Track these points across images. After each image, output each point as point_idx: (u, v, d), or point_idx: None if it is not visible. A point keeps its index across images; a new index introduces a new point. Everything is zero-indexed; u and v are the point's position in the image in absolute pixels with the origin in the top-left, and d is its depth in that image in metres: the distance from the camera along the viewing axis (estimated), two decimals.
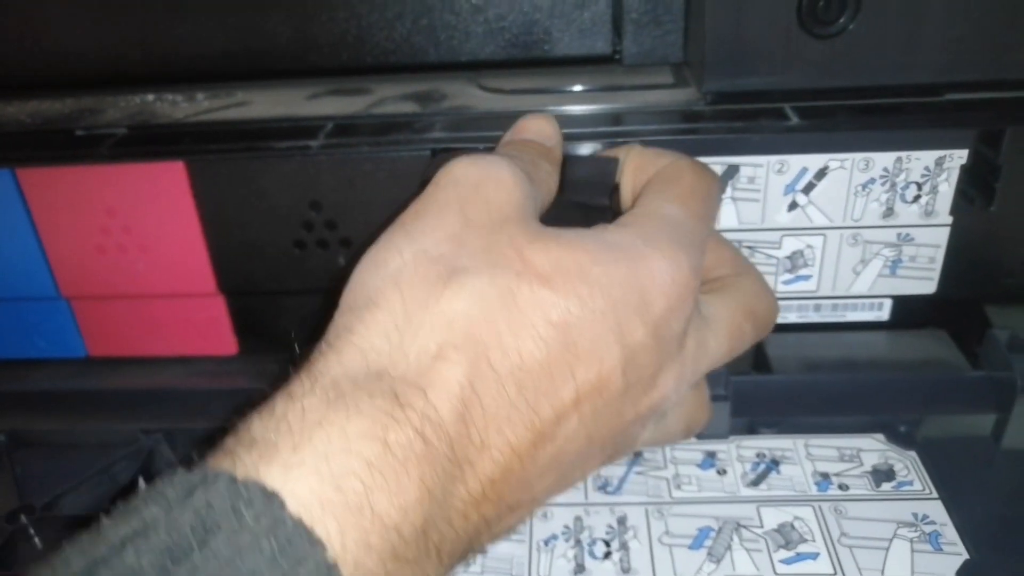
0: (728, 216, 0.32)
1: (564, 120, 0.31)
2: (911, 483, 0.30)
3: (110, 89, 0.38)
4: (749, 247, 0.33)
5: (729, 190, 0.32)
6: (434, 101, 0.34)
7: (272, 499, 0.17)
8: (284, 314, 0.36)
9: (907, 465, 0.31)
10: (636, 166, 0.28)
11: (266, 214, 0.33)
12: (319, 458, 0.18)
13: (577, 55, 0.36)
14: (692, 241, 0.24)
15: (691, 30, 0.34)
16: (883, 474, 0.30)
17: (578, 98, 0.34)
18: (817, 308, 0.35)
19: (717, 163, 0.31)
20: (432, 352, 0.20)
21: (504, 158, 0.24)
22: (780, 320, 0.35)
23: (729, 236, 0.32)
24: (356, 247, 0.33)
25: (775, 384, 0.34)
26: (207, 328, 0.36)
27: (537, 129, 0.28)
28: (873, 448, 0.32)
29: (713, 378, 0.32)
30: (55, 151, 0.33)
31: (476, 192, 0.23)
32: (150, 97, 0.37)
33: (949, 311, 0.35)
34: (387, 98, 0.35)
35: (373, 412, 0.18)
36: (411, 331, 0.20)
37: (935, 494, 0.29)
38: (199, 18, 0.36)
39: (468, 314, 0.20)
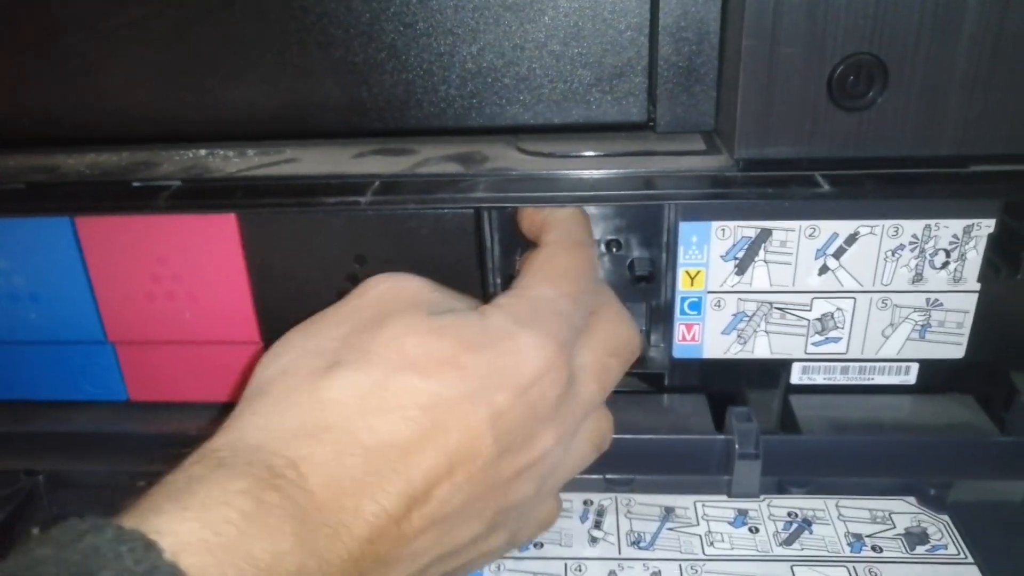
0: (760, 278, 0.33)
1: (598, 183, 0.33)
2: (945, 547, 0.30)
3: (165, 144, 0.39)
4: (780, 308, 0.33)
5: (761, 253, 0.33)
6: (476, 163, 0.36)
7: (152, 546, 0.19)
8: None
9: (940, 529, 0.31)
10: (539, 221, 0.32)
11: (312, 266, 0.34)
12: (199, 508, 0.20)
13: (613, 122, 0.38)
14: (562, 317, 0.27)
15: (723, 100, 0.36)
16: (917, 537, 0.31)
17: (613, 163, 0.35)
18: (844, 370, 0.36)
19: (750, 227, 0.32)
20: (306, 431, 0.23)
21: (422, 278, 0.28)
22: (807, 381, 0.36)
23: (760, 297, 0.33)
24: None
25: (805, 444, 0.34)
26: (246, 375, 0.37)
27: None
28: (905, 511, 0.32)
29: (743, 437, 0.33)
30: (112, 201, 0.34)
31: (377, 302, 0.27)
32: (203, 152, 0.38)
33: (976, 376, 0.35)
34: (430, 159, 0.36)
35: (249, 475, 0.21)
36: (290, 414, 0.24)
37: (970, 559, 0.30)
38: (252, 80, 0.37)
39: (341, 400, 0.24)
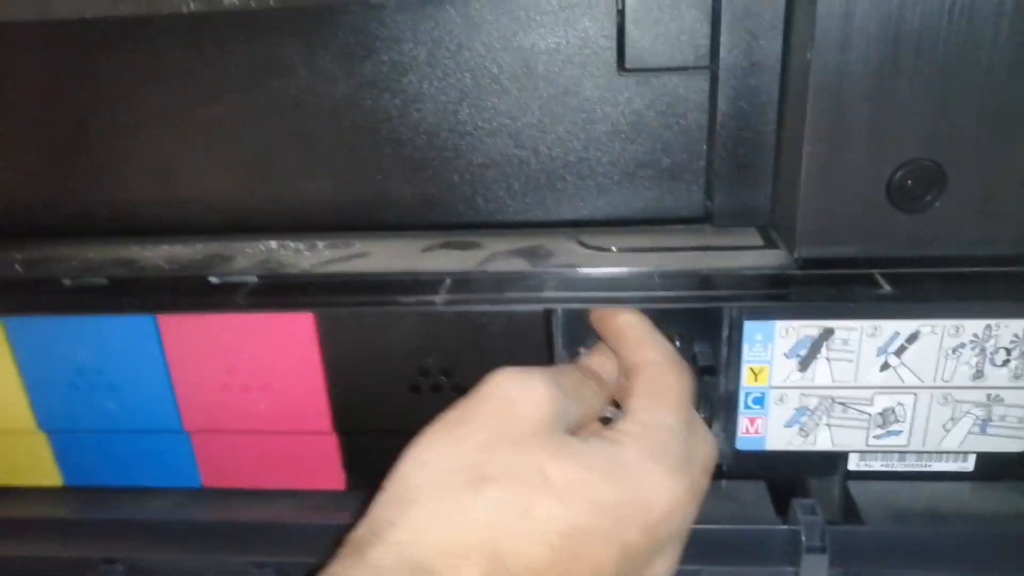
0: (822, 374, 0.34)
1: (657, 281, 0.34)
2: None
3: (235, 235, 0.41)
4: (841, 403, 0.34)
5: (824, 350, 0.33)
6: (541, 258, 0.37)
7: None
8: (393, 452, 0.38)
9: None
10: (626, 337, 0.32)
11: (386, 361, 0.35)
12: None
13: (670, 216, 0.39)
14: (685, 449, 0.28)
15: (778, 196, 0.37)
16: None
17: (675, 259, 0.36)
18: (902, 458, 0.36)
19: (813, 326, 0.33)
20: (459, 552, 0.24)
21: (544, 376, 0.28)
22: (865, 467, 0.37)
23: (822, 393, 0.34)
24: None
25: (869, 536, 0.35)
26: (318, 464, 0.38)
27: (599, 361, 0.33)
28: None
29: (810, 529, 0.33)
30: (194, 299, 0.36)
31: (511, 408, 0.27)
32: (273, 244, 0.40)
33: None
34: (497, 253, 0.37)
35: None
36: (444, 529, 0.25)
37: None
38: (323, 175, 0.39)
39: (489, 521, 0.25)
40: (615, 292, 0.34)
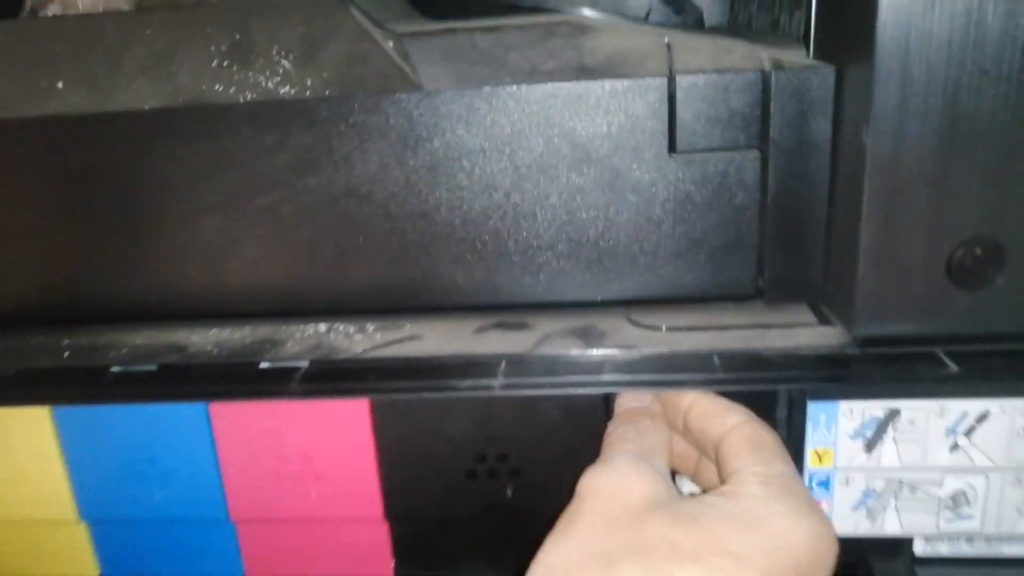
0: (889, 456, 0.33)
1: (716, 363, 0.33)
2: None
3: (284, 319, 0.41)
4: (910, 486, 0.33)
5: (890, 431, 0.33)
6: (594, 338, 0.37)
7: None
8: (445, 540, 0.37)
9: None
10: (701, 412, 0.32)
11: (442, 446, 0.35)
12: None
13: (720, 294, 0.39)
14: (808, 493, 0.28)
15: (832, 274, 0.37)
16: None
17: (730, 337, 0.36)
18: (969, 540, 0.35)
19: (879, 407, 0.33)
20: None
21: (626, 458, 0.29)
22: (932, 552, 0.36)
23: (890, 475, 0.33)
24: (525, 478, 0.35)
25: None
26: (367, 552, 0.37)
27: (636, 402, 0.34)
28: None
29: None
30: (246, 386, 0.35)
31: (615, 500, 0.27)
32: (323, 327, 0.40)
33: None
34: (550, 334, 0.37)
35: None
36: None
37: None
38: (372, 257, 0.39)
39: None
40: (674, 375, 0.33)
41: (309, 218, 0.39)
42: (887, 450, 0.33)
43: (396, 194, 0.38)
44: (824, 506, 0.34)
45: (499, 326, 0.39)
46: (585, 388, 0.33)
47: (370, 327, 0.39)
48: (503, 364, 0.35)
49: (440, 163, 0.37)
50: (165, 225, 0.39)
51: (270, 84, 0.37)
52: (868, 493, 0.34)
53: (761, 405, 0.35)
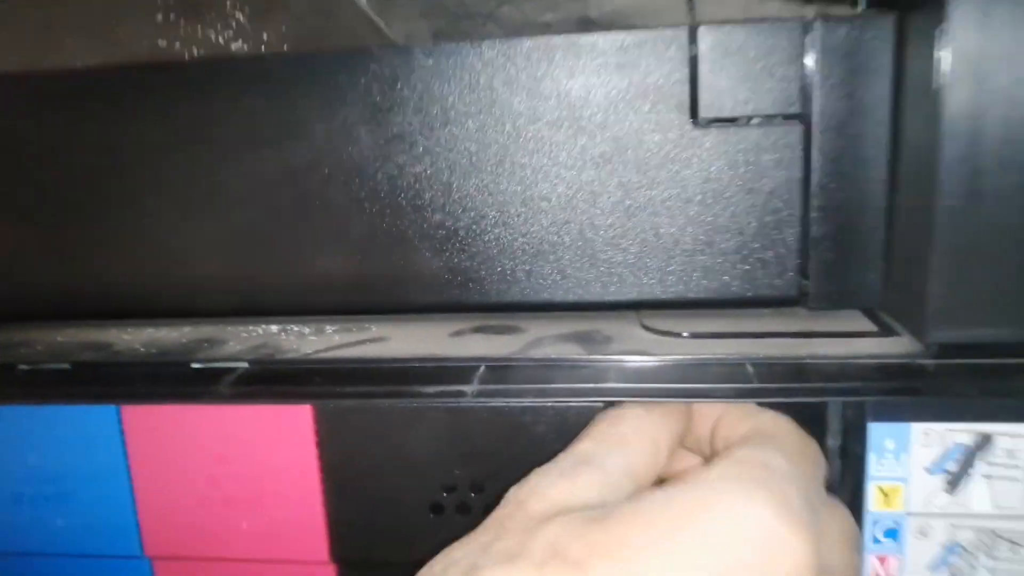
0: (979, 498, 0.25)
1: (751, 371, 0.26)
2: None
3: (233, 319, 0.34)
4: (1008, 540, 0.25)
5: (980, 465, 0.25)
6: (597, 343, 0.30)
7: None
8: None
9: None
10: (727, 422, 0.25)
11: (402, 472, 0.28)
12: None
13: (754, 297, 0.32)
14: (802, 494, 0.20)
15: (896, 272, 0.30)
16: None
17: (762, 346, 0.29)
18: None
19: (965, 430, 0.25)
20: None
21: (562, 465, 0.23)
22: None
23: (981, 524, 0.26)
24: None
25: None
26: None
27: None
28: None
29: None
30: (167, 386, 0.29)
31: (520, 506, 0.22)
32: (274, 328, 0.33)
33: None
34: (543, 338, 0.30)
35: None
36: None
37: None
38: (334, 248, 0.33)
39: None
40: (695, 384, 0.26)
41: (263, 198, 0.33)
42: (977, 490, 0.25)
43: (365, 170, 0.32)
44: (892, 564, 0.26)
45: (482, 330, 0.32)
46: (582, 398, 0.26)
47: (329, 328, 0.33)
48: (482, 369, 0.28)
49: (416, 133, 0.31)
50: (97, 207, 0.34)
51: (221, 39, 0.32)
52: (952, 548, 0.26)
53: (807, 415, 0.27)
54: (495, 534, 0.21)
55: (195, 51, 0.32)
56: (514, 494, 0.23)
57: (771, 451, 0.21)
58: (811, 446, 0.24)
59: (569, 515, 0.20)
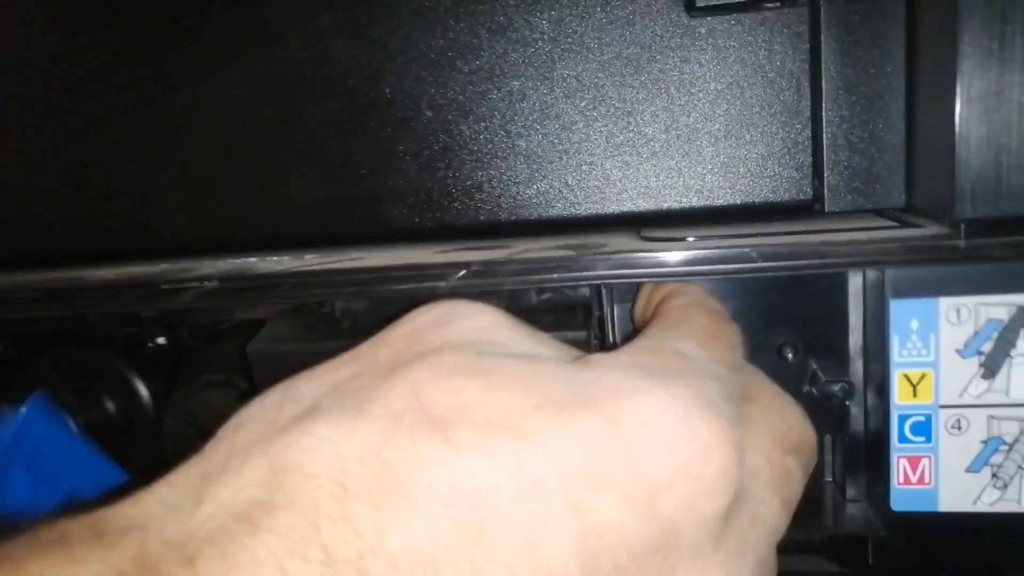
0: (1018, 386, 0.22)
1: (755, 256, 0.24)
2: None
3: (212, 253, 0.33)
4: None
5: (1021, 344, 0.22)
6: (591, 250, 0.27)
7: None
8: None
9: None
10: (647, 301, 0.23)
11: None
12: None
13: (763, 203, 0.29)
14: (720, 384, 0.17)
15: (919, 162, 0.27)
16: None
17: (773, 243, 0.26)
18: None
19: (1001, 303, 0.22)
20: (232, 510, 0.14)
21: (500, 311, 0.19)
22: None
23: (1020, 412, 0.22)
24: None
25: None
26: None
27: None
28: None
29: None
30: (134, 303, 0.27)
31: (411, 335, 0.18)
32: (253, 259, 0.32)
33: None
34: (532, 249, 0.28)
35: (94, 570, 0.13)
36: (215, 485, 0.15)
37: None
38: (316, 169, 0.31)
39: (302, 469, 0.14)
40: (683, 267, 0.24)
41: (239, 120, 0.31)
42: (1018, 374, 0.22)
43: (346, 81, 0.30)
44: (924, 464, 0.23)
45: (470, 248, 0.30)
46: (561, 283, 0.24)
47: (309, 256, 0.31)
48: (462, 272, 0.26)
49: (397, 39, 0.30)
50: (59, 137, 0.32)
51: None
52: (993, 443, 0.23)
53: (827, 323, 0.25)
54: (359, 367, 0.17)
55: None
56: (422, 314, 0.19)
57: (682, 337, 0.19)
58: (724, 326, 0.21)
59: (446, 354, 0.16)
